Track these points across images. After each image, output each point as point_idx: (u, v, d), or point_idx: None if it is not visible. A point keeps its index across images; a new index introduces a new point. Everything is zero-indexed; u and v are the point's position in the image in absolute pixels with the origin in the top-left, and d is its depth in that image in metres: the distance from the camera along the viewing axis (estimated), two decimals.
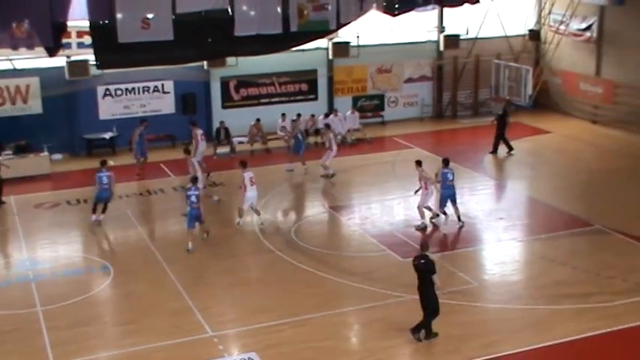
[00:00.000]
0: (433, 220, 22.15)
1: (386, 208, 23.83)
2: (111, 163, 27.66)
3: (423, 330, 15.61)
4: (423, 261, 15.38)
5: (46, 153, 28.22)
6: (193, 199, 20.35)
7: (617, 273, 18.58)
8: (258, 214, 22.24)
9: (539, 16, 35.64)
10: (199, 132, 27.07)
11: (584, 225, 21.92)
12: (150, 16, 21.48)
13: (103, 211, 22.75)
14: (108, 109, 30.47)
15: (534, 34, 35.63)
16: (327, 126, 28.04)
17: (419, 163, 22.25)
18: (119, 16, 21.16)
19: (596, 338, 15.68)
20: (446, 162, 22.06)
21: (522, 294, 17.80)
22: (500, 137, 29.37)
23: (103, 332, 16.50)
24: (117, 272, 19.31)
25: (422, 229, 21.79)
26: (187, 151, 24.82)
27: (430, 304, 15.48)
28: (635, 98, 31.45)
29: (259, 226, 22.03)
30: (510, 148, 29.30)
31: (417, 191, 22.23)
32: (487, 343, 15.53)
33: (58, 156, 29.46)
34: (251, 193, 21.99)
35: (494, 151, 29.36)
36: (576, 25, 33.72)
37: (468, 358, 15.00)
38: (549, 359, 15.31)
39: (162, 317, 16.89)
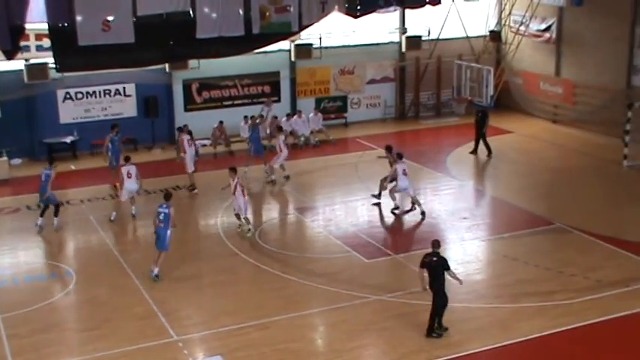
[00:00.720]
0: (396, 212, 23.04)
1: (350, 210, 23.86)
2: (72, 167, 27.44)
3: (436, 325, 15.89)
4: (435, 258, 15.65)
5: (5, 158, 27.74)
6: (161, 217, 18.81)
7: (578, 270, 18.81)
8: (248, 222, 21.72)
9: (500, 17, 35.94)
10: (185, 137, 25.81)
11: (546, 223, 22.15)
12: (110, 18, 21.29)
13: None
14: (68, 112, 30.10)
15: (495, 35, 35.93)
16: (280, 128, 27.76)
17: (389, 148, 23.70)
18: (79, 18, 20.95)
19: (560, 335, 15.87)
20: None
21: (486, 293, 17.95)
22: (481, 137, 29.38)
23: (65, 339, 16.28)
24: (80, 278, 19.07)
25: (396, 209, 23.04)
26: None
27: (442, 299, 15.74)
28: (594, 98, 31.88)
29: (247, 233, 21.50)
30: (489, 152, 29.25)
31: (388, 179, 23.10)
32: (452, 342, 15.63)
33: (17, 161, 28.99)
34: (237, 200, 21.53)
35: (475, 151, 29.44)
36: (536, 25, 34.12)
37: (433, 358, 15.08)
38: (514, 357, 15.47)
39: (126, 322, 16.73)
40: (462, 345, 15.51)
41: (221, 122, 30.38)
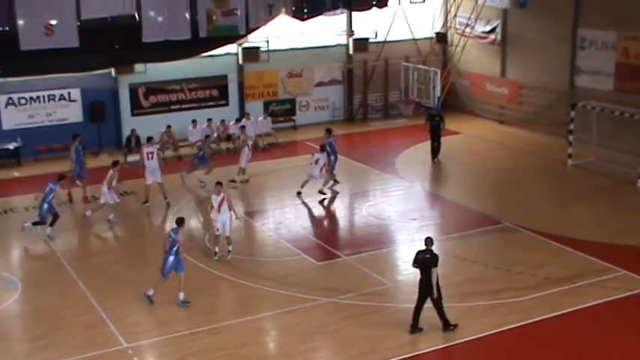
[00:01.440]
0: (335, 188, 24.47)
1: (300, 212, 23.84)
2: (15, 174, 26.95)
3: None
4: (428, 255, 15.85)
5: None
6: (169, 241, 17.53)
7: (525, 268, 19.07)
8: (229, 242, 20.07)
9: (446, 19, 36.35)
10: (145, 150, 24.36)
11: (494, 223, 22.42)
12: (53, 22, 21.01)
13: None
14: (11, 118, 29.52)
15: (441, 37, 36.30)
16: (243, 128, 28.20)
17: (329, 131, 25.48)
18: (20, 22, 20.64)
19: (509, 332, 16.07)
20: (329, 131, 25.76)
21: None
22: (436, 140, 28.75)
23: (10, 349, 15.93)
24: (25, 286, 18.71)
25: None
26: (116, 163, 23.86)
27: (438, 294, 15.91)
28: (539, 98, 32.41)
29: (228, 255, 19.98)
30: (435, 156, 28.90)
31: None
32: (403, 342, 15.70)
33: None
34: (221, 216, 19.88)
35: (436, 156, 28.79)
36: (481, 27, 34.54)
37: (384, 358, 15.13)
38: (465, 355, 15.62)
39: (74, 331, 16.45)
40: (413, 345, 15.60)
41: (169, 127, 30.10)
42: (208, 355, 15.39)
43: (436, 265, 15.83)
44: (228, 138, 31.24)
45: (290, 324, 16.60)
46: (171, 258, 17.41)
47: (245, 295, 18.08)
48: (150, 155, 23.85)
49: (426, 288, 15.85)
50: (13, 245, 21.71)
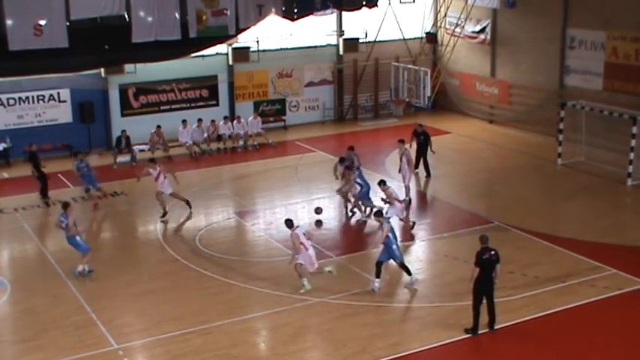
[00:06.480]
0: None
1: (290, 212, 23.77)
2: (4, 175, 26.85)
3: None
4: (493, 252, 15.80)
5: None
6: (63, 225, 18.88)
7: (516, 267, 19.10)
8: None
9: (436, 19, 36.40)
10: (154, 173, 23.19)
11: (485, 222, 22.45)
12: (42, 22, 20.91)
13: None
14: (0, 119, 29.41)
15: (431, 37, 36.35)
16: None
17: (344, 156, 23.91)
18: (9, 22, 20.53)
19: (500, 332, 16.09)
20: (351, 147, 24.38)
21: (428, 292, 18.09)
22: (422, 157, 27.48)
23: (2, 351, 15.86)
24: (15, 288, 18.63)
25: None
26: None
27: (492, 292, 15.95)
28: (529, 98, 32.50)
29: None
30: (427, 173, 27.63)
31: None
32: (394, 342, 15.71)
33: None
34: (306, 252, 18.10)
35: (416, 167, 27.33)
36: (471, 27, 34.62)
37: (375, 358, 15.13)
38: (456, 355, 15.61)
39: (64, 332, 16.39)
40: (404, 345, 15.60)
41: (159, 127, 30.05)
42: (199, 355, 15.36)
43: (499, 262, 15.85)
44: (219, 138, 31.21)
45: (281, 324, 16.58)
46: (78, 238, 19.05)
47: (236, 295, 18.05)
48: (158, 177, 22.89)
49: (488, 285, 15.79)
50: (2, 246, 21.61)
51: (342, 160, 23.74)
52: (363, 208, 23.12)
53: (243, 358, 15.33)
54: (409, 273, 18.10)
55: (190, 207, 23.59)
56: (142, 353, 15.66)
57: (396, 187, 25.74)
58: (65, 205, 19.31)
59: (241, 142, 31.31)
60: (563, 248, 20.37)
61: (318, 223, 22.68)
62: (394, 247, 17.84)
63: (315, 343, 15.90)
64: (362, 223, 22.76)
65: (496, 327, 16.11)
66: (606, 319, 16.65)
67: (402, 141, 24.99)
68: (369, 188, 23.11)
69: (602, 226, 22.17)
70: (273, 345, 15.96)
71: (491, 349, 15.69)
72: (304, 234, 18.16)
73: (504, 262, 19.26)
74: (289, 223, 18.15)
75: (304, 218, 23.19)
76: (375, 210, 20.99)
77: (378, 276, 17.79)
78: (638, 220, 22.97)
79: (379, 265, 17.78)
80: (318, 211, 23.08)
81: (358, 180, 23.00)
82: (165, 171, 23.23)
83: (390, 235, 17.80)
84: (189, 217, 23.29)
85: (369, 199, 23.05)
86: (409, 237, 21.55)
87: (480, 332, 15.98)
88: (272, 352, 15.62)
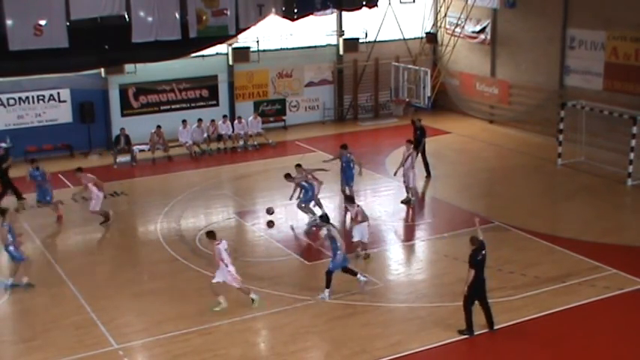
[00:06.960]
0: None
1: (290, 213, 23.78)
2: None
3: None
4: (484, 252, 15.79)
5: None
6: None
7: (516, 267, 19.11)
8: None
9: (436, 19, 36.39)
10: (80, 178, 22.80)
11: (485, 222, 22.33)
12: (43, 22, 20.95)
13: None
14: (0, 119, 29.40)
15: (431, 37, 36.34)
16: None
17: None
18: (9, 22, 20.57)
19: (500, 332, 16.08)
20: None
21: (428, 292, 18.09)
22: (421, 154, 27.18)
23: (1, 351, 15.86)
24: (15, 288, 18.60)
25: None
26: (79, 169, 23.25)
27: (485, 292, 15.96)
28: (529, 98, 32.50)
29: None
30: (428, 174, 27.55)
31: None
32: (394, 342, 15.70)
33: None
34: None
35: (428, 174, 27.28)
36: (471, 27, 34.62)
37: (375, 358, 15.13)
38: (456, 355, 15.62)
39: (64, 332, 16.39)
40: (404, 345, 15.59)
41: (159, 127, 30.06)
42: (199, 355, 15.36)
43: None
44: (219, 138, 31.22)
45: (281, 324, 16.58)
46: (11, 248, 18.52)
47: (235, 295, 18.01)
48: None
49: (481, 286, 15.80)
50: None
51: (287, 176, 22.85)
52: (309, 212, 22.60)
53: (243, 358, 15.33)
54: (355, 274, 17.86)
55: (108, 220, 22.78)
56: (142, 353, 15.66)
57: (397, 187, 25.82)
58: (2, 212, 18.55)
59: (241, 142, 31.32)
60: (564, 248, 20.37)
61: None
62: (339, 252, 17.46)
63: (315, 343, 15.90)
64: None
65: (496, 327, 16.11)
66: (606, 319, 16.65)
67: (410, 141, 24.93)
68: (312, 195, 22.56)
69: (602, 226, 22.17)
70: (273, 345, 15.96)
71: (491, 349, 15.69)
72: (226, 250, 17.09)
73: (505, 262, 19.44)
74: (212, 235, 17.18)
75: (304, 218, 23.18)
76: (319, 215, 20.25)
77: (328, 286, 17.52)
78: (638, 220, 22.97)
79: (329, 274, 17.49)
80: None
81: (303, 183, 22.53)
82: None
83: (333, 243, 17.44)
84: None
85: (310, 207, 22.59)
86: (409, 237, 21.54)
87: (479, 332, 15.97)
88: (272, 352, 15.62)
